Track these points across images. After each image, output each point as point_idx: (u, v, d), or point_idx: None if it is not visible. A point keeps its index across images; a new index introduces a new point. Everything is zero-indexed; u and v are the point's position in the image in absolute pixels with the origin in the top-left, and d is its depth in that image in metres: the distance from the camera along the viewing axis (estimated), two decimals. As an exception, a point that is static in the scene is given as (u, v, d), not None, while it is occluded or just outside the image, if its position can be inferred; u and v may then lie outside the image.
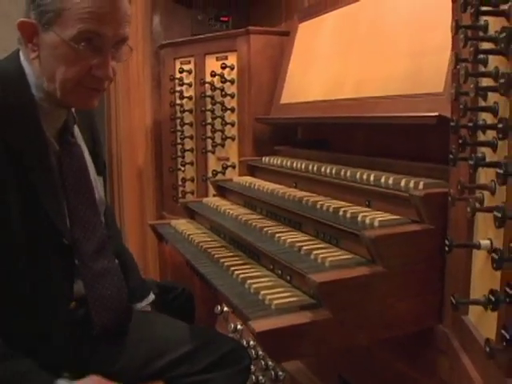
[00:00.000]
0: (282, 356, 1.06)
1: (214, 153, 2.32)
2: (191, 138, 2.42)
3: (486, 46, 0.87)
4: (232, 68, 2.19)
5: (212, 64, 2.27)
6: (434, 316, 1.15)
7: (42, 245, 1.24)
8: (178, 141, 2.48)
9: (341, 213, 1.29)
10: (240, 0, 2.64)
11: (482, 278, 0.92)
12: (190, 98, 2.39)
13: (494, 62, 0.84)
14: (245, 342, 2.03)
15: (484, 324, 0.89)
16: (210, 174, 2.33)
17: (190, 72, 2.38)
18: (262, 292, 1.16)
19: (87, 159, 1.45)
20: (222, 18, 2.57)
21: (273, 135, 2.16)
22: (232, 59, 2.19)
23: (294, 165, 1.74)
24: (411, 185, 1.23)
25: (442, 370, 1.14)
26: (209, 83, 2.27)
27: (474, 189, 0.92)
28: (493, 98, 0.83)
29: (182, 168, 2.47)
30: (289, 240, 1.30)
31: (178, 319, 1.52)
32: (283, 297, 1.13)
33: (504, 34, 0.71)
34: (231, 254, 1.47)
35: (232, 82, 2.19)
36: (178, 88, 2.43)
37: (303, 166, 1.68)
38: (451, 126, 0.97)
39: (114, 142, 3.25)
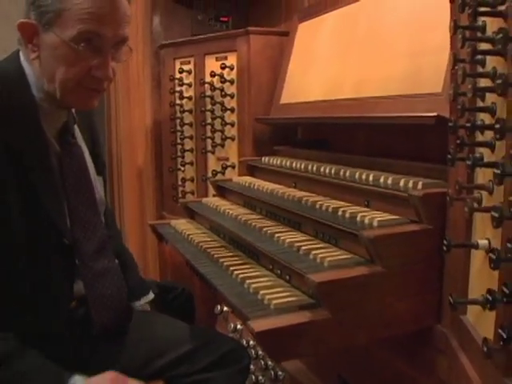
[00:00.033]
0: (281, 355, 1.07)
1: (213, 153, 2.32)
2: (191, 138, 2.42)
3: (483, 46, 0.87)
4: (232, 68, 2.19)
5: (212, 64, 2.27)
6: (432, 315, 1.15)
7: (43, 245, 1.25)
8: (178, 141, 2.48)
9: (340, 213, 1.30)
10: (240, 0, 2.64)
11: (480, 278, 0.92)
12: (189, 98, 2.39)
13: (491, 62, 0.84)
14: (245, 342, 2.03)
15: (482, 324, 0.89)
16: (209, 174, 2.33)
17: (189, 72, 2.38)
18: (261, 292, 1.16)
19: (87, 159, 1.46)
20: (221, 19, 2.57)
21: (272, 135, 2.17)
22: (232, 59, 2.20)
23: (294, 165, 1.75)
24: (410, 185, 1.23)
25: (440, 369, 1.14)
26: (208, 83, 2.27)
27: (472, 189, 0.92)
28: (491, 98, 0.84)
29: (182, 168, 2.48)
30: (288, 240, 1.30)
31: (178, 319, 1.53)
32: (282, 296, 1.13)
33: (501, 35, 0.71)
34: (231, 253, 1.47)
35: (232, 82, 2.20)
36: (177, 88, 2.43)
37: (303, 166, 1.69)
38: (449, 127, 0.98)
39: (114, 141, 3.26)
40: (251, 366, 1.89)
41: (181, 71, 2.40)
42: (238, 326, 2.13)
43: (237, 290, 1.23)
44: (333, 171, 1.52)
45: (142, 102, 2.75)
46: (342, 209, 1.30)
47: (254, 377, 1.96)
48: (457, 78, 0.93)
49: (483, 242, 0.86)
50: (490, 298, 0.73)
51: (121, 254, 1.57)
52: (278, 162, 1.86)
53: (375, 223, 1.17)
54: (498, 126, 0.71)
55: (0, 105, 1.19)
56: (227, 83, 2.21)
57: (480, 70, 0.89)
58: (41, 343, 1.21)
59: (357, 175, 1.41)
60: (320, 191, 1.54)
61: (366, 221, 1.20)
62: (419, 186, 1.20)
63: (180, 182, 2.50)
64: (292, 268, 1.18)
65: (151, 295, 1.65)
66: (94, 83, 1.27)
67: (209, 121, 2.30)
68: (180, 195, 2.50)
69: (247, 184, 1.85)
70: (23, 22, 1.24)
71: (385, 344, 1.32)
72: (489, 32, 0.85)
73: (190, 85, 2.39)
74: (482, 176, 0.90)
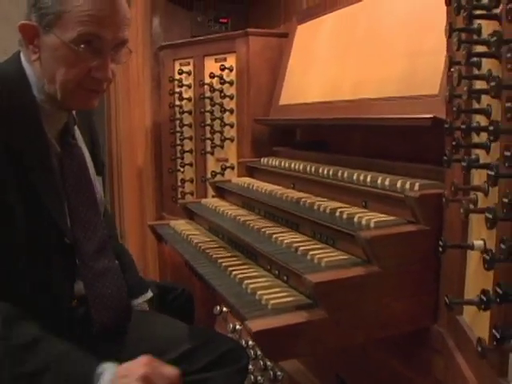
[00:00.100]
0: (278, 355, 1.07)
1: (213, 154, 2.33)
2: (190, 139, 2.43)
3: (479, 49, 0.88)
4: (231, 69, 2.20)
5: (211, 65, 2.28)
6: (429, 316, 1.16)
7: (43, 244, 1.25)
8: (178, 142, 2.49)
9: (337, 214, 1.30)
10: (239, 2, 2.65)
11: (476, 279, 0.93)
12: (189, 99, 2.40)
13: (487, 64, 0.85)
14: (244, 342, 2.04)
15: (478, 324, 0.90)
16: (209, 175, 2.34)
17: (189, 73, 2.39)
18: (259, 292, 1.17)
19: (87, 160, 1.47)
20: (221, 20, 2.58)
21: (271, 136, 2.17)
22: (231, 61, 2.21)
23: (292, 166, 1.75)
24: (407, 186, 1.24)
25: (437, 369, 1.15)
26: (208, 84, 2.28)
27: (468, 190, 0.93)
28: (486, 100, 0.85)
29: (182, 169, 2.49)
30: (286, 240, 1.31)
31: (178, 319, 1.53)
32: (280, 297, 1.14)
33: (495, 38, 0.72)
34: (229, 254, 1.48)
35: (231, 83, 2.20)
36: (177, 89, 2.44)
37: (301, 167, 1.69)
38: (445, 128, 0.99)
39: (114, 142, 3.27)
40: (250, 366, 1.90)
41: (180, 72, 2.41)
42: (237, 327, 2.14)
43: (235, 290, 1.23)
44: (331, 172, 1.53)
45: (142, 102, 2.76)
46: (339, 210, 1.31)
47: (252, 377, 1.97)
48: (452, 80, 0.93)
49: (479, 243, 0.86)
50: (484, 299, 0.74)
51: (119, 254, 1.58)
52: (277, 163, 1.87)
53: (372, 224, 1.18)
54: (491, 128, 0.72)
55: (1, 105, 1.20)
56: (226, 84, 2.21)
57: (476, 72, 0.89)
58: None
59: (355, 176, 1.42)
60: (318, 192, 1.54)
61: (363, 221, 1.20)
62: (416, 187, 1.21)
63: (179, 183, 2.51)
64: (289, 268, 1.19)
65: (150, 294, 1.66)
66: (94, 84, 1.28)
67: (208, 122, 2.31)
68: (179, 196, 2.51)
69: (246, 185, 1.85)
70: (24, 24, 1.25)
71: (382, 344, 1.32)
72: (484, 34, 0.86)
73: (189, 86, 2.40)
74: (478, 177, 0.91)
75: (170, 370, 1.13)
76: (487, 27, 0.85)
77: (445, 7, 1.07)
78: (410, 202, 1.14)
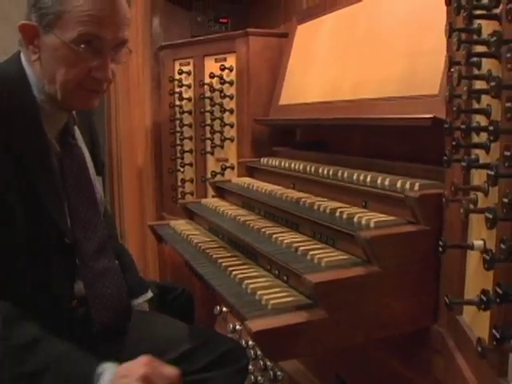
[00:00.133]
0: (278, 355, 1.07)
1: (212, 154, 2.33)
2: (190, 139, 2.43)
3: (479, 49, 0.88)
4: (231, 69, 2.20)
5: (211, 65, 2.28)
6: (429, 316, 1.16)
7: (43, 244, 1.25)
8: (178, 142, 2.49)
9: (337, 214, 1.30)
10: (239, 2, 2.65)
11: (476, 279, 0.93)
12: (189, 99, 2.40)
13: (487, 65, 0.85)
14: (244, 342, 2.04)
15: (478, 324, 0.90)
16: (209, 175, 2.34)
17: (189, 73, 2.39)
18: (259, 292, 1.17)
19: (87, 160, 1.47)
20: (221, 20, 2.59)
21: (271, 136, 2.18)
22: (231, 61, 2.21)
23: (292, 166, 1.75)
24: (407, 186, 1.24)
25: (437, 369, 1.15)
26: (208, 84, 2.28)
27: (468, 190, 0.93)
28: (486, 100, 0.85)
29: (182, 169, 2.49)
30: (286, 240, 1.31)
31: (178, 319, 1.53)
32: (280, 297, 1.14)
33: (495, 38, 0.72)
34: (229, 254, 1.48)
35: (231, 83, 2.20)
36: (177, 89, 2.44)
37: (301, 167, 1.69)
38: (445, 128, 0.99)
39: (114, 142, 3.27)
40: (250, 367, 1.90)
41: (180, 72, 2.41)
42: (237, 327, 2.14)
43: (235, 290, 1.23)
44: (331, 172, 1.53)
45: (142, 102, 2.76)
46: (339, 210, 1.31)
47: (253, 377, 1.97)
48: (452, 81, 0.93)
49: (478, 243, 0.86)
50: (484, 299, 0.74)
51: (119, 254, 1.58)
52: (277, 163, 1.87)
53: (372, 224, 1.18)
54: (491, 128, 0.72)
55: (1, 105, 1.20)
56: (226, 84, 2.21)
57: (476, 72, 0.89)
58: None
59: (355, 176, 1.42)
60: (318, 192, 1.54)
61: (363, 221, 1.20)
62: (416, 187, 1.21)
63: (179, 183, 2.51)
64: (289, 268, 1.19)
65: (149, 294, 1.66)
66: (94, 84, 1.28)
67: (208, 122, 2.31)
68: (179, 196, 2.51)
69: (246, 185, 1.85)
70: (24, 24, 1.25)
71: (382, 344, 1.32)
72: (484, 34, 0.86)
73: (189, 86, 2.40)
74: (478, 177, 0.91)
75: (170, 370, 1.13)
76: (487, 27, 0.85)
77: (445, 7, 1.07)
78: (409, 202, 1.14)
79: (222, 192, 1.99)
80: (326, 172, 1.55)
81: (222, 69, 2.21)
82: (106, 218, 1.58)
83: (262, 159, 2.00)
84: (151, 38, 2.64)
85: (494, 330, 0.71)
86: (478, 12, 0.83)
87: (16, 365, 1.07)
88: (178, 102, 2.45)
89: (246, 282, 1.24)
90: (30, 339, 1.10)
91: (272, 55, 2.16)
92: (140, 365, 1.11)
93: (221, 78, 2.22)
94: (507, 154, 0.67)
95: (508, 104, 0.67)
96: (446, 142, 1.04)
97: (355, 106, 1.56)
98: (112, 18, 1.23)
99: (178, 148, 2.49)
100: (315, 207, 1.40)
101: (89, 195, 1.40)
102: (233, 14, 2.61)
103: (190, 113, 2.41)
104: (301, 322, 1.03)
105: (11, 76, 1.27)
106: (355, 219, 1.24)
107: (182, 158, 2.48)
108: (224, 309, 2.23)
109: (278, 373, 1.87)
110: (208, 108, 2.30)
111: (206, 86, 2.29)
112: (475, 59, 0.87)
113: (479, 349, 0.75)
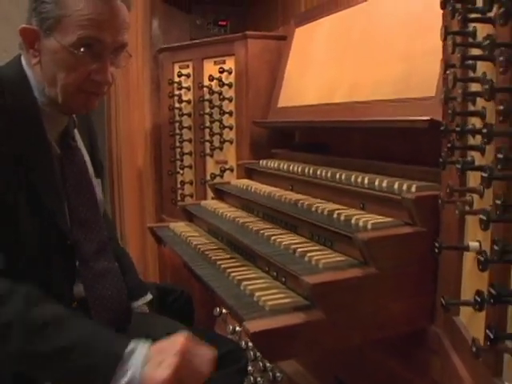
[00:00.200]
0: (276, 356, 1.08)
1: (212, 156, 2.34)
2: (190, 141, 2.44)
3: (475, 51, 0.89)
4: (230, 72, 2.21)
5: (210, 68, 2.29)
6: (426, 317, 1.16)
7: (44, 245, 1.26)
8: (177, 144, 2.50)
9: (335, 215, 1.31)
10: (238, 5, 2.66)
11: (472, 280, 0.93)
12: (188, 101, 2.41)
13: (482, 67, 0.86)
14: (243, 344, 2.04)
15: (474, 324, 0.90)
16: (208, 177, 2.35)
17: (188, 76, 2.40)
18: (257, 293, 1.17)
19: (87, 162, 1.48)
20: (220, 23, 2.60)
21: (270, 138, 2.18)
22: (230, 63, 2.21)
23: (291, 168, 1.76)
24: (404, 188, 1.24)
25: (434, 370, 1.15)
26: (207, 87, 2.29)
27: (464, 192, 0.94)
28: (481, 102, 0.85)
29: (181, 171, 2.49)
30: (284, 242, 1.31)
31: (178, 321, 1.54)
32: (277, 298, 1.14)
33: (488, 41, 0.73)
34: (228, 256, 1.49)
35: (230, 85, 2.21)
36: (176, 92, 2.45)
37: (299, 169, 1.70)
38: (441, 130, 0.99)
39: (114, 144, 3.27)
40: (250, 368, 1.91)
41: (179, 75, 2.42)
42: (237, 328, 2.15)
43: (233, 291, 1.24)
44: (329, 174, 1.54)
45: (142, 104, 2.77)
46: (337, 211, 1.32)
47: (252, 378, 1.97)
48: (448, 83, 0.94)
49: (474, 244, 0.87)
50: (479, 300, 0.75)
51: (119, 256, 1.58)
52: (276, 165, 1.88)
53: (369, 226, 1.18)
54: (485, 130, 0.73)
55: (3, 107, 1.21)
56: (225, 87, 2.22)
57: (471, 74, 0.90)
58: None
59: (352, 178, 1.43)
60: (316, 194, 1.55)
61: (361, 223, 1.21)
62: (413, 188, 1.22)
63: (179, 185, 2.51)
64: (287, 270, 1.20)
65: (149, 296, 1.66)
66: (94, 87, 1.29)
67: (207, 124, 2.32)
68: (179, 198, 2.52)
69: (245, 187, 1.86)
70: (25, 28, 1.26)
71: (380, 345, 1.33)
72: (479, 37, 0.87)
73: (188, 88, 2.40)
74: (474, 179, 0.92)
75: (207, 350, 1.14)
76: (482, 30, 0.86)
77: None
78: (406, 203, 1.15)
79: (221, 194, 2.00)
80: (324, 174, 1.56)
81: (221, 71, 2.22)
82: (106, 220, 1.59)
83: (260, 161, 2.01)
84: (150, 41, 2.65)
85: (487, 331, 0.71)
86: (473, 15, 0.84)
87: (41, 342, 1.07)
88: (177, 105, 2.46)
89: (244, 283, 1.25)
90: (56, 317, 1.10)
91: (271, 58, 2.17)
92: (177, 341, 1.10)
93: (220, 80, 2.23)
94: (500, 156, 0.68)
95: (501, 107, 0.67)
96: (442, 144, 1.05)
97: (353, 108, 1.57)
98: (111, 21, 1.24)
99: (178, 150, 2.50)
100: (313, 209, 1.40)
101: (89, 197, 1.41)
102: (232, 17, 2.62)
103: (189, 115, 2.42)
104: (298, 322, 1.04)
105: (12, 78, 1.28)
106: (353, 221, 1.24)
107: (182, 160, 2.48)
108: (224, 310, 2.24)
109: (278, 374, 1.88)
110: (207, 110, 2.31)
111: (205, 89, 2.30)
112: (470, 62, 0.88)
113: (474, 349, 0.76)
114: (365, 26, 1.64)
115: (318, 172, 1.59)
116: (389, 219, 1.21)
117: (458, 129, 0.89)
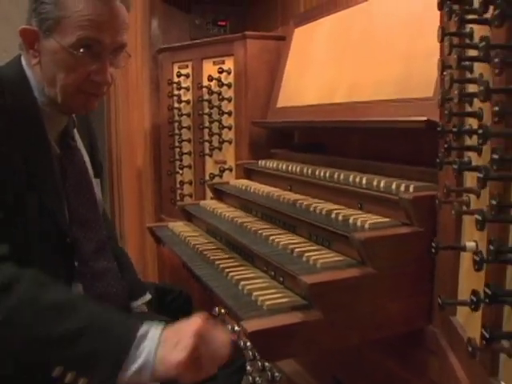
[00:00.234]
0: (274, 355, 1.08)
1: (211, 156, 2.34)
2: (189, 141, 2.44)
3: (472, 52, 0.89)
4: (229, 72, 2.21)
5: (209, 68, 2.30)
6: (424, 317, 1.17)
7: (44, 244, 1.26)
8: (176, 144, 2.50)
9: (333, 215, 1.31)
10: (237, 5, 2.66)
11: (469, 280, 0.94)
12: (187, 101, 2.41)
13: (479, 68, 0.86)
14: (242, 343, 2.04)
15: (470, 324, 0.91)
16: (207, 177, 2.35)
17: (187, 76, 2.40)
18: (255, 293, 1.18)
19: (87, 162, 1.48)
20: (219, 23, 2.60)
21: (269, 139, 2.19)
22: (229, 63, 2.22)
23: (290, 168, 1.77)
24: (402, 188, 1.25)
25: (432, 370, 1.16)
26: (206, 87, 2.29)
27: (461, 192, 0.94)
28: (478, 103, 0.86)
29: (180, 171, 2.50)
30: (282, 242, 1.32)
31: (177, 321, 1.54)
32: (275, 298, 1.15)
33: (483, 43, 0.73)
34: (226, 256, 1.49)
35: (229, 86, 2.22)
36: (175, 92, 2.45)
37: (298, 170, 1.71)
38: (438, 131, 1.00)
39: (114, 144, 3.28)
40: (248, 367, 1.91)
41: (179, 75, 2.42)
42: (236, 328, 2.15)
43: (232, 291, 1.24)
44: (327, 174, 1.54)
45: (141, 105, 2.77)
46: (335, 211, 1.32)
47: (251, 378, 1.97)
48: (445, 84, 0.94)
49: (471, 244, 0.87)
50: (475, 299, 0.75)
51: (118, 256, 1.59)
52: (275, 166, 1.88)
53: (367, 226, 1.19)
54: (481, 131, 0.73)
55: (3, 106, 1.21)
56: (224, 87, 2.23)
57: (468, 75, 0.91)
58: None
59: (351, 178, 1.43)
60: (315, 194, 1.56)
61: (359, 223, 1.21)
62: (411, 189, 1.22)
63: (178, 185, 2.52)
64: (285, 270, 1.20)
65: (148, 296, 1.67)
66: (93, 88, 1.30)
67: (206, 124, 2.32)
68: (178, 198, 2.52)
69: (244, 187, 1.86)
70: (25, 29, 1.26)
71: (378, 345, 1.33)
72: (476, 39, 0.87)
73: (187, 88, 2.41)
74: (471, 179, 0.92)
75: (225, 332, 1.11)
76: (479, 31, 0.86)
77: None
78: (404, 203, 1.15)
79: (220, 194, 2.01)
80: (322, 174, 1.57)
81: (220, 71, 2.22)
82: (104, 220, 1.59)
83: (259, 161, 2.01)
84: (150, 41, 2.66)
85: (483, 330, 0.72)
86: (470, 17, 0.84)
87: (50, 325, 1.05)
88: (176, 105, 2.46)
89: (242, 283, 1.25)
90: (65, 299, 1.09)
91: (270, 58, 2.17)
92: (194, 322, 1.07)
93: (219, 80, 2.23)
94: (496, 156, 0.68)
95: (496, 108, 0.68)
96: (439, 145, 1.05)
97: (351, 109, 1.58)
98: (111, 22, 1.24)
99: (177, 150, 2.50)
100: (311, 209, 1.41)
101: (89, 196, 1.41)
102: (231, 17, 2.62)
103: (188, 115, 2.42)
104: (296, 322, 1.04)
105: (12, 78, 1.29)
106: (351, 221, 1.25)
107: (181, 160, 2.49)
108: (222, 310, 2.24)
109: (276, 374, 1.88)
110: (206, 110, 2.32)
111: (204, 89, 2.31)
112: (467, 63, 0.88)
113: (470, 349, 0.77)
114: (364, 26, 1.65)
115: (317, 172, 1.59)
116: (386, 219, 1.22)
117: (454, 129, 0.89)
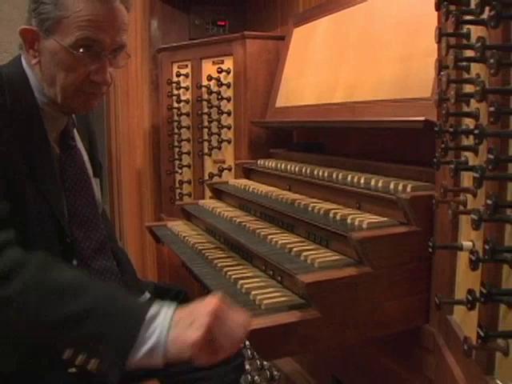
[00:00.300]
0: (272, 354, 1.09)
1: (210, 155, 2.35)
2: (188, 140, 2.45)
3: (469, 53, 0.90)
4: (228, 72, 2.22)
5: (208, 68, 2.30)
6: (421, 316, 1.18)
7: (44, 244, 1.27)
8: (176, 143, 2.51)
9: (331, 215, 1.32)
10: (237, 5, 2.67)
11: (466, 279, 0.94)
12: (186, 101, 2.42)
13: (475, 69, 0.87)
14: (241, 342, 2.05)
15: (467, 323, 0.91)
16: (206, 177, 2.36)
17: (186, 76, 2.41)
18: (253, 292, 1.18)
19: (86, 161, 1.49)
20: (218, 23, 2.61)
21: (268, 138, 2.19)
22: (228, 63, 2.22)
23: (288, 168, 1.77)
24: (400, 188, 1.26)
25: (429, 368, 1.16)
26: (205, 87, 2.30)
27: (458, 192, 0.94)
28: (475, 104, 0.86)
29: (180, 170, 2.50)
30: (280, 241, 1.32)
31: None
32: (273, 297, 1.15)
33: (479, 44, 0.74)
34: (225, 255, 1.50)
35: (228, 85, 2.22)
36: (175, 91, 2.46)
37: (297, 169, 1.71)
38: (435, 131, 1.00)
39: (114, 143, 3.28)
40: (247, 366, 1.91)
41: (178, 75, 2.43)
42: (235, 327, 2.15)
43: (230, 290, 1.25)
44: (326, 174, 1.55)
45: (141, 104, 2.78)
46: (333, 211, 1.33)
47: (250, 376, 1.98)
48: (442, 84, 0.95)
49: (467, 244, 0.88)
50: (470, 298, 0.76)
51: (117, 255, 1.59)
52: (273, 165, 1.89)
53: (365, 225, 1.19)
54: (477, 131, 0.74)
55: (4, 106, 1.22)
56: (224, 87, 2.23)
57: (465, 76, 0.91)
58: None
59: (349, 178, 1.44)
60: (313, 194, 1.56)
61: (356, 222, 1.22)
62: (408, 188, 1.23)
63: (177, 185, 2.52)
64: (283, 269, 1.21)
65: (147, 295, 1.67)
66: (93, 88, 1.30)
67: (206, 124, 2.33)
68: (177, 197, 2.53)
69: (242, 186, 1.87)
70: (25, 29, 1.26)
71: (376, 344, 1.34)
72: (473, 39, 0.87)
73: (187, 88, 2.41)
74: (468, 179, 0.93)
75: (242, 313, 1.05)
76: (476, 32, 0.87)
77: (436, 11, 1.09)
78: (401, 203, 1.16)
79: (219, 193, 2.01)
80: (321, 174, 1.57)
81: (220, 71, 2.22)
82: (104, 219, 1.60)
83: (258, 161, 2.02)
84: (149, 41, 2.66)
85: (478, 329, 0.72)
86: (467, 17, 0.85)
87: (58, 306, 1.03)
88: (175, 104, 2.47)
89: (240, 282, 1.26)
90: (72, 280, 1.07)
91: (269, 58, 2.18)
92: (210, 301, 1.01)
93: (218, 80, 2.24)
94: (491, 156, 0.69)
95: (491, 108, 0.68)
96: (436, 145, 1.06)
97: (350, 109, 1.58)
98: (110, 22, 1.25)
99: (176, 150, 2.51)
100: (310, 208, 1.41)
101: (88, 196, 1.41)
102: (230, 17, 2.63)
103: (187, 115, 2.43)
104: (294, 321, 1.05)
105: (13, 78, 1.29)
106: (348, 220, 1.25)
107: (180, 160, 2.49)
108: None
109: (275, 372, 1.88)
110: (205, 110, 2.32)
111: (203, 89, 2.31)
112: (464, 63, 0.89)
113: (465, 347, 0.77)
114: (363, 26, 1.65)
115: (315, 172, 1.60)
116: (384, 219, 1.22)
117: (451, 129, 0.90)
